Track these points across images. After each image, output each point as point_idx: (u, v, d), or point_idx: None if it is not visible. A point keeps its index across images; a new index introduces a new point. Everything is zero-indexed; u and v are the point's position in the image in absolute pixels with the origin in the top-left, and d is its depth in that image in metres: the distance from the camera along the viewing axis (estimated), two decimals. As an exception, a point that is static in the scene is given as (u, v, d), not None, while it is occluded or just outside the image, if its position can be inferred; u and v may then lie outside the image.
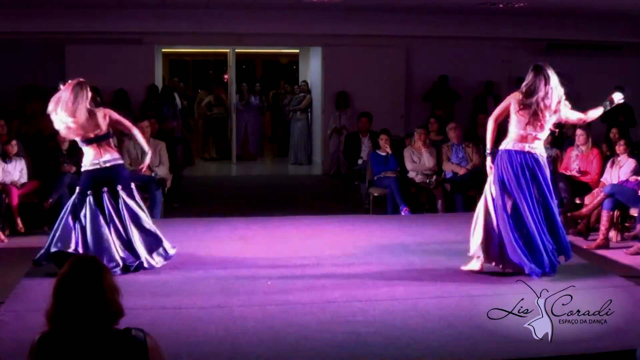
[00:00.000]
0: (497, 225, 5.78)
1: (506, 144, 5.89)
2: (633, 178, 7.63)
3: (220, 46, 14.43)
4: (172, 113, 12.27)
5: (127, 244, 5.94)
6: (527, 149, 5.81)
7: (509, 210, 5.79)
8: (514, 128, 5.85)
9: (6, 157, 8.11)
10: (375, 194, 9.13)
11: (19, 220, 7.91)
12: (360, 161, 10.28)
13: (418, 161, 9.29)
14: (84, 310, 2.50)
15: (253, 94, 14.89)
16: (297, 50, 15.45)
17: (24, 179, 8.17)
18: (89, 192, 5.95)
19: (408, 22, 12.29)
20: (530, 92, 5.72)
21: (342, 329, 4.61)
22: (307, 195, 10.87)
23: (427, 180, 9.16)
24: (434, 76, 12.67)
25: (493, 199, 5.84)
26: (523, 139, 5.81)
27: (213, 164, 14.12)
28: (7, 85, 11.21)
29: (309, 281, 5.71)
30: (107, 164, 6.00)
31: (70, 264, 2.63)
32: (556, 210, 5.97)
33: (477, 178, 8.08)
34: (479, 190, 6.25)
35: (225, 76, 15.28)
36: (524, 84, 5.80)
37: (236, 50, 13.96)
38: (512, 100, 5.86)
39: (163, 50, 14.17)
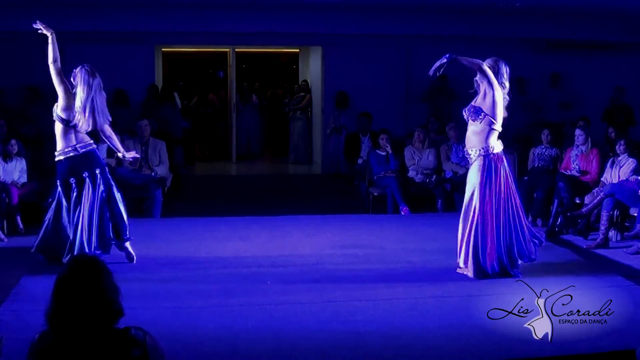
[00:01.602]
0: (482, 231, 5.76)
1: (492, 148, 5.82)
2: (633, 178, 7.63)
3: (220, 46, 14.42)
4: (172, 113, 12.27)
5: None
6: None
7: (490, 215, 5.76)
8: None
9: (6, 157, 8.12)
10: (375, 194, 9.13)
11: (19, 220, 7.92)
12: (360, 161, 10.29)
13: (418, 161, 9.29)
14: (84, 310, 2.50)
15: (253, 94, 14.87)
16: (297, 50, 15.44)
17: (24, 179, 8.18)
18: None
19: (408, 22, 12.26)
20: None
21: (342, 329, 4.61)
22: (307, 195, 10.85)
23: (427, 180, 9.16)
24: (434, 76, 12.64)
25: (478, 205, 5.82)
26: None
27: (213, 164, 14.12)
28: (8, 84, 11.19)
29: (309, 281, 5.71)
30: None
31: (70, 264, 2.63)
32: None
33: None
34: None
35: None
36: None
37: (236, 50, 13.96)
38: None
39: (163, 49, 14.16)
